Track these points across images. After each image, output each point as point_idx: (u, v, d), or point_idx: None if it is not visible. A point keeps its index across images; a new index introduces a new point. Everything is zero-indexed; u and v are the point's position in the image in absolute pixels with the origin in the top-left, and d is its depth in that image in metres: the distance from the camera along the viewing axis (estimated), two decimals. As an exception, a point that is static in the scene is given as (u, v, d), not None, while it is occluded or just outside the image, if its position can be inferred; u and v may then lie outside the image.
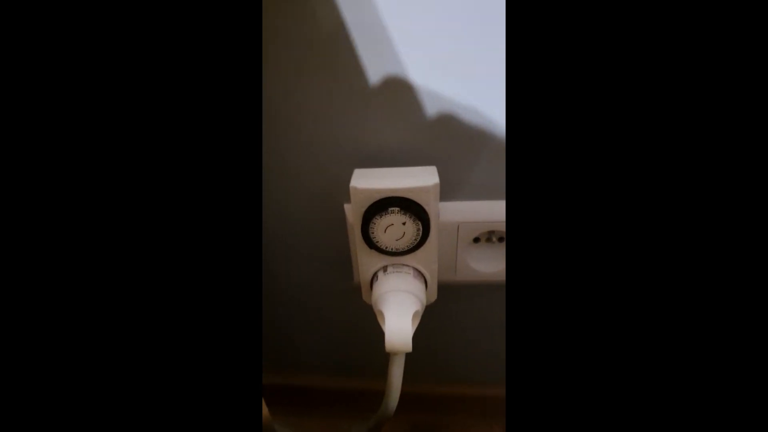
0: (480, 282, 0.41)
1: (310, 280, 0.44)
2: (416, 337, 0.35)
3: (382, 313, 0.32)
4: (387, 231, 0.32)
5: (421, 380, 0.49)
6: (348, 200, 0.38)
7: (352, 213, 0.32)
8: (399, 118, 0.35)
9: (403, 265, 0.35)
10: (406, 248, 0.33)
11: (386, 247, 0.33)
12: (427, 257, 0.34)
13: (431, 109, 0.34)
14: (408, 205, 0.31)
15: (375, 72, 0.33)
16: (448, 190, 0.37)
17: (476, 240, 0.40)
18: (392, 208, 0.31)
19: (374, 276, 0.35)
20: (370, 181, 0.31)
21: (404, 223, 0.32)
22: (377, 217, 0.31)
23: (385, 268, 0.35)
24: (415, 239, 0.32)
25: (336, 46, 0.32)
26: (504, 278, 0.40)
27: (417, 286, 0.34)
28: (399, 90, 0.33)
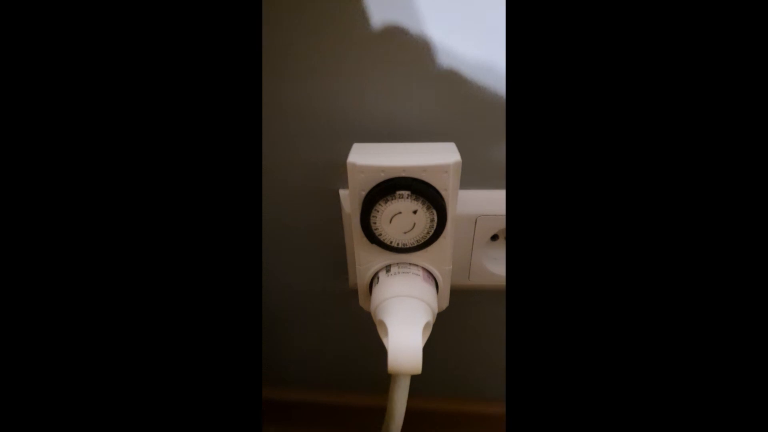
0: (496, 287, 0.35)
1: (297, 283, 0.38)
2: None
3: (384, 324, 0.25)
4: (393, 221, 0.26)
5: (428, 396, 0.43)
6: (344, 184, 0.32)
7: (350, 197, 0.26)
8: (409, 85, 0.28)
9: (411, 264, 0.28)
10: (416, 243, 0.27)
11: (391, 242, 0.27)
12: (440, 255, 0.28)
13: (448, 75, 0.28)
14: (421, 189, 0.24)
15: (382, 27, 0.26)
16: (464, 176, 0.30)
17: (494, 238, 0.34)
18: (401, 192, 0.24)
19: (374, 277, 0.29)
20: (373, 157, 0.25)
21: (415, 212, 0.25)
22: (381, 203, 0.25)
23: (388, 268, 0.28)
24: (428, 232, 0.26)
25: (335, -13, 0.26)
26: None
27: (428, 290, 0.27)
28: (411, 50, 0.27)
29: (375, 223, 0.26)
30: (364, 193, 0.25)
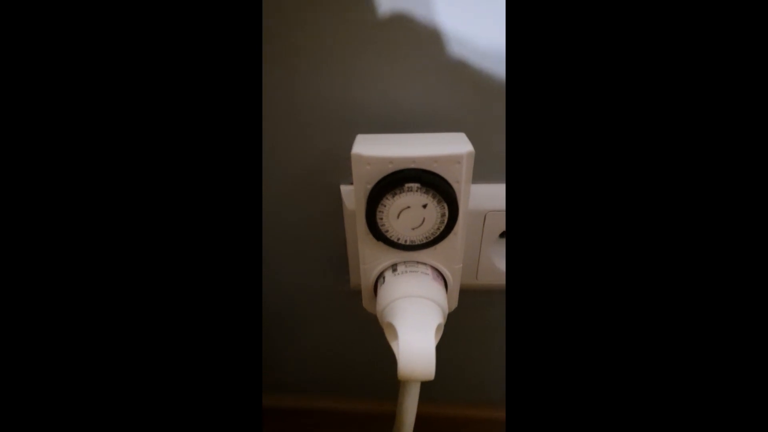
0: (505, 287, 0.33)
1: (296, 284, 0.36)
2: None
3: (392, 327, 0.24)
4: (401, 216, 0.24)
5: (434, 401, 0.41)
6: (345, 179, 0.30)
7: (354, 192, 0.24)
8: (415, 74, 0.26)
9: (419, 263, 0.27)
10: (425, 240, 0.25)
11: (398, 239, 0.25)
12: (450, 253, 0.26)
13: (457, 64, 0.26)
14: (432, 181, 0.23)
15: (388, 10, 0.25)
16: (473, 170, 0.29)
17: (503, 235, 0.32)
18: (410, 185, 0.23)
19: (380, 277, 0.27)
20: (380, 148, 0.23)
21: (425, 206, 0.24)
22: (388, 197, 0.23)
23: (394, 267, 0.27)
24: (438, 228, 0.24)
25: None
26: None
27: (438, 290, 0.25)
28: (418, 38, 0.25)
29: (381, 218, 0.24)
30: (369, 187, 0.23)
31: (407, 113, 0.28)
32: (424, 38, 0.25)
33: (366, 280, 0.27)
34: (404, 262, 0.27)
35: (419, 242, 0.25)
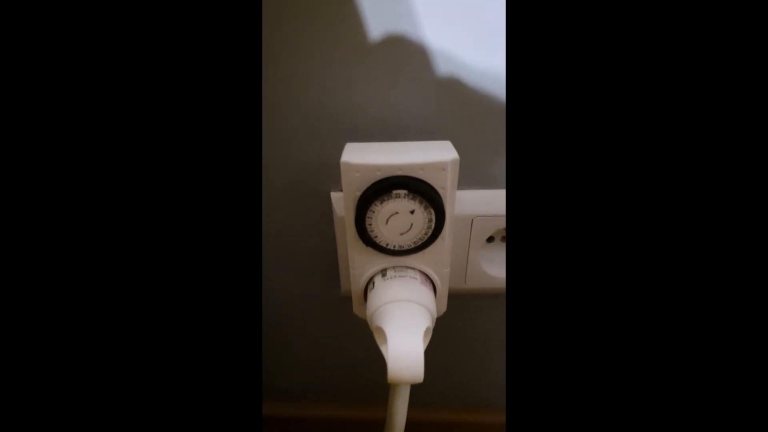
0: (493, 290, 0.34)
1: (286, 290, 0.36)
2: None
3: (382, 331, 0.24)
4: (389, 222, 0.24)
5: (425, 406, 0.41)
6: (335, 186, 0.31)
7: (343, 199, 0.25)
8: (403, 83, 0.27)
9: (408, 267, 0.27)
10: (413, 245, 0.26)
11: (387, 244, 0.25)
12: (438, 257, 0.27)
13: (443, 73, 0.27)
14: (418, 188, 0.23)
15: (377, 21, 0.25)
16: (459, 176, 0.29)
17: (490, 240, 0.33)
18: (398, 191, 0.23)
19: (369, 282, 0.28)
20: (368, 156, 0.24)
21: (412, 212, 0.24)
22: (377, 203, 0.24)
23: (383, 272, 0.27)
24: (426, 233, 0.25)
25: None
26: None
27: (426, 294, 0.26)
28: (405, 49, 0.26)
29: (370, 224, 0.25)
30: (358, 194, 0.24)
31: (395, 122, 0.28)
32: (411, 50, 0.26)
33: (356, 286, 0.28)
34: (393, 267, 0.27)
35: (407, 247, 0.26)
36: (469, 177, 0.30)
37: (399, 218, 0.24)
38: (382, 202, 0.24)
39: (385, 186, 0.23)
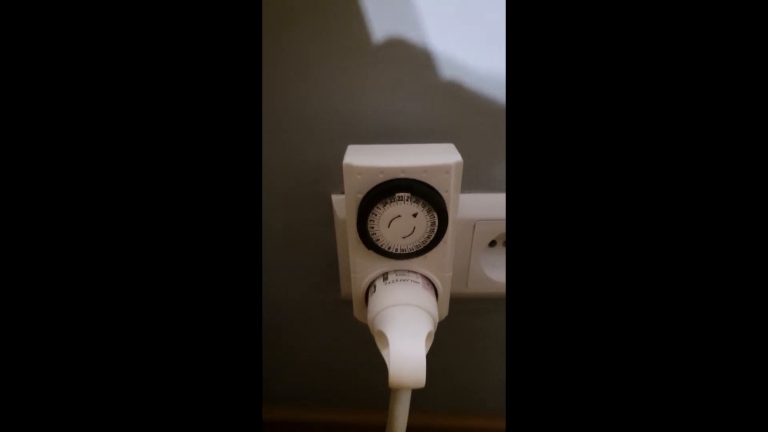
0: (495, 295, 0.34)
1: (285, 293, 0.36)
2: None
3: (383, 335, 0.24)
4: (392, 225, 0.24)
5: (426, 410, 0.41)
6: (336, 189, 0.30)
7: (345, 201, 0.24)
8: (406, 85, 0.27)
9: (410, 271, 0.27)
10: (416, 249, 0.25)
11: (389, 248, 0.25)
12: (440, 261, 0.26)
13: (446, 76, 0.27)
14: (422, 191, 0.23)
15: (379, 24, 0.25)
16: (462, 180, 0.29)
17: (492, 244, 0.33)
18: (401, 194, 0.23)
19: (371, 286, 0.27)
20: (371, 158, 0.24)
21: (415, 215, 0.24)
22: (379, 206, 0.24)
23: (385, 276, 0.27)
24: (428, 237, 0.25)
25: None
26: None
27: (428, 299, 0.26)
28: (408, 52, 0.26)
29: (372, 227, 0.24)
30: (360, 196, 0.24)
31: (397, 124, 0.28)
32: (414, 52, 0.26)
33: (357, 289, 0.28)
34: (395, 270, 0.27)
35: (410, 251, 0.25)
36: (472, 181, 0.30)
37: (401, 221, 0.24)
38: (384, 205, 0.24)
39: (388, 188, 0.23)
